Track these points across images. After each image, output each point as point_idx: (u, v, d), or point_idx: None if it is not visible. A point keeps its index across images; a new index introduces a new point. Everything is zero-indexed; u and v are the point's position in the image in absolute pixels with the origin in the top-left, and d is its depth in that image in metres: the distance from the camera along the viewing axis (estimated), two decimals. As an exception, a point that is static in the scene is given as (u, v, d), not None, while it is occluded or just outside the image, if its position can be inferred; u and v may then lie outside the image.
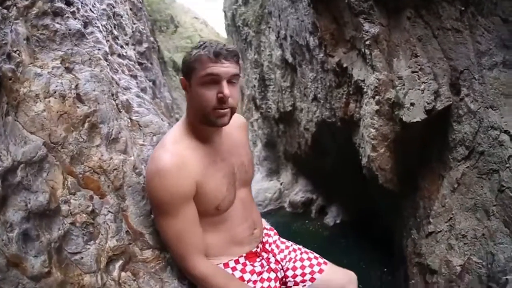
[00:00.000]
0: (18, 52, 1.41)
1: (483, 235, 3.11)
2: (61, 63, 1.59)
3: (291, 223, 8.37)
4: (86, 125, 1.58)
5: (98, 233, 1.50)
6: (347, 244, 6.84)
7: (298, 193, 9.85)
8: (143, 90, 3.03)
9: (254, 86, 10.47)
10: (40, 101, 1.44)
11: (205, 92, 1.55)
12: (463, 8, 3.21)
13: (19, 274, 1.21)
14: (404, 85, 3.96)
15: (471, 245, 3.25)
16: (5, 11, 1.37)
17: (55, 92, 1.49)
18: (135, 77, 2.94)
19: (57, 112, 1.48)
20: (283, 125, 9.82)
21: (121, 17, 3.36)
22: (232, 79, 1.57)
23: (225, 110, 1.59)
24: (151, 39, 5.10)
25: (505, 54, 2.96)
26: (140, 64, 3.79)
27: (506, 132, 2.97)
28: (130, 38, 3.60)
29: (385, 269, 5.83)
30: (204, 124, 1.66)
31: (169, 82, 8.28)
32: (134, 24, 4.06)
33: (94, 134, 1.62)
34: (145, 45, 4.32)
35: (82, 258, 1.42)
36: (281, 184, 10.54)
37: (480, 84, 3.19)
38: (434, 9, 3.50)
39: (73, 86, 1.58)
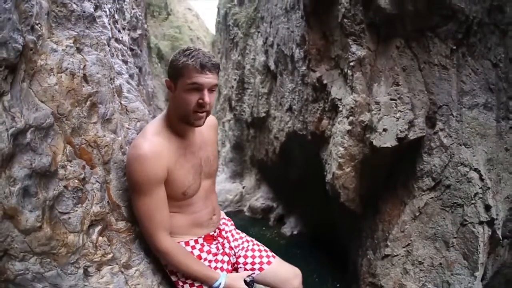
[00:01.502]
0: (39, 25, 1.50)
1: (440, 264, 3.25)
2: (73, 42, 1.68)
3: (249, 227, 8.39)
4: (88, 103, 1.71)
5: (85, 198, 1.65)
6: (302, 255, 6.94)
7: (259, 199, 9.91)
8: (131, 76, 3.07)
9: (232, 87, 10.48)
10: (54, 75, 1.54)
11: (188, 97, 1.76)
12: (454, 47, 3.33)
13: (11, 227, 1.34)
14: (380, 110, 4.07)
15: (427, 272, 3.39)
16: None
17: (66, 69, 1.60)
18: (126, 62, 2.99)
19: (66, 87, 1.60)
20: (254, 130, 9.87)
21: (123, 1, 3.35)
22: (212, 88, 1.79)
23: (203, 114, 1.81)
24: (145, 26, 5.07)
25: (488, 97, 3.12)
26: (131, 50, 3.77)
27: (475, 170, 3.13)
28: (127, 23, 3.57)
29: (338, 285, 5.97)
30: (182, 122, 1.87)
31: (151, 69, 8.22)
32: (133, 9, 4.03)
33: (93, 112, 1.75)
34: (139, 31, 4.29)
35: (69, 218, 1.56)
36: (243, 187, 10.57)
37: (457, 121, 3.34)
38: (424, 42, 3.62)
39: (81, 67, 1.68)
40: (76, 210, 1.59)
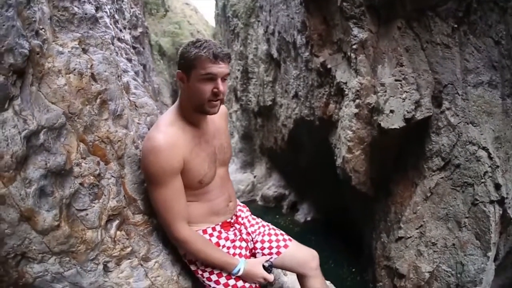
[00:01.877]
0: (43, 29, 1.54)
1: (453, 245, 3.24)
2: (78, 44, 1.72)
3: (262, 216, 8.16)
4: (98, 101, 1.74)
5: (101, 193, 1.67)
6: (317, 242, 6.93)
7: (271, 187, 9.93)
8: (136, 73, 3.10)
9: (237, 77, 10.46)
10: (62, 76, 1.59)
11: (202, 87, 1.78)
12: (455, 26, 3.28)
13: (28, 228, 1.37)
14: (386, 92, 4.04)
15: (440, 253, 3.38)
16: (34, -11, 1.47)
17: (74, 70, 1.64)
18: (130, 60, 3.04)
19: (76, 87, 1.63)
20: (261, 119, 9.86)
21: (122, 1, 3.37)
22: (225, 77, 1.82)
23: (217, 102, 1.84)
24: (145, 24, 5.10)
25: (492, 75, 3.06)
26: (134, 48, 3.79)
27: (484, 148, 3.09)
28: (127, 22, 3.59)
29: (353, 269, 5.98)
30: (197, 112, 1.89)
31: (154, 66, 8.26)
32: (132, 8, 4.05)
33: (104, 109, 1.78)
34: (140, 29, 4.32)
35: (87, 214, 1.59)
36: (254, 177, 10.60)
37: (463, 100, 3.29)
38: (426, 22, 3.57)
39: (88, 66, 1.72)
40: (93, 206, 1.62)
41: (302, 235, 7.45)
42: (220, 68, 1.76)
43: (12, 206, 1.32)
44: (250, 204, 9.58)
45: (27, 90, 1.41)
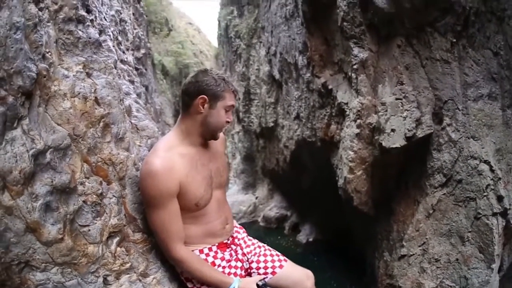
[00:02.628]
0: (50, 53, 1.62)
1: (456, 260, 3.22)
2: (83, 68, 1.81)
3: (264, 238, 8.34)
4: (101, 124, 1.82)
5: (103, 211, 1.76)
6: (319, 262, 6.91)
7: (273, 208, 9.90)
8: (138, 95, 3.18)
9: (239, 98, 10.55)
10: (67, 99, 1.67)
11: (221, 116, 2.03)
12: (454, 40, 3.33)
13: (34, 239, 1.45)
14: (386, 111, 4.07)
15: (444, 269, 3.35)
16: (40, 13, 1.56)
17: (79, 94, 1.73)
18: (132, 82, 3.12)
19: (80, 110, 1.72)
20: (263, 140, 9.90)
21: (125, 22, 3.47)
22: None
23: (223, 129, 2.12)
24: (148, 45, 5.20)
25: (492, 87, 3.09)
26: (136, 69, 3.88)
27: (486, 162, 3.10)
28: (130, 43, 3.68)
29: (356, 289, 5.92)
30: (203, 136, 2.08)
31: (157, 86, 8.34)
32: (135, 29, 4.14)
33: (106, 132, 1.86)
34: (142, 51, 4.41)
35: (89, 230, 1.67)
36: (256, 198, 10.58)
37: (464, 114, 3.32)
38: (425, 39, 3.62)
39: (92, 90, 1.80)
40: (96, 223, 1.70)
41: (304, 256, 7.40)
42: (236, 102, 2.12)
43: (19, 217, 1.41)
44: (252, 225, 9.56)
45: (35, 111, 1.50)
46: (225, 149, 2.52)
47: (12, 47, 1.34)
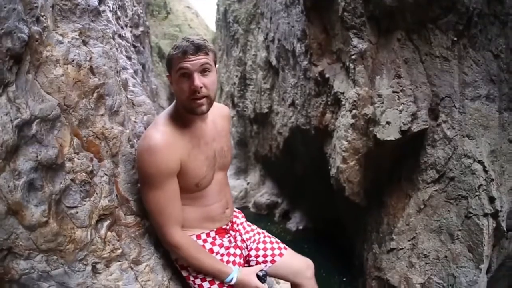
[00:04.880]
0: (45, 17, 1.49)
1: (445, 257, 3.24)
2: (79, 35, 1.68)
3: (254, 223, 8.20)
4: (95, 95, 1.69)
5: (93, 191, 1.61)
6: (308, 250, 6.89)
7: (264, 195, 9.92)
8: (135, 72, 3.06)
9: (234, 83, 10.48)
10: (60, 66, 1.53)
11: (181, 86, 1.75)
12: (455, 39, 3.31)
13: (16, 223, 1.31)
14: (383, 103, 4.05)
15: (432, 265, 3.38)
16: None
17: (73, 61, 1.59)
18: (129, 58, 2.99)
19: (73, 79, 1.58)
20: (257, 126, 9.87)
21: (125, -2, 3.35)
22: (203, 70, 1.74)
23: (201, 100, 1.76)
24: (147, 23, 5.09)
25: (490, 88, 3.09)
26: (134, 46, 3.77)
27: (479, 162, 3.11)
28: (129, 20, 3.58)
29: (344, 279, 5.98)
30: (187, 112, 1.82)
31: (153, 67, 8.26)
32: (134, 6, 4.04)
33: (100, 104, 1.72)
34: (141, 28, 4.31)
35: (77, 212, 1.53)
36: (248, 184, 10.59)
37: (460, 113, 3.32)
38: (426, 35, 3.60)
39: (88, 58, 1.67)
40: (84, 204, 1.55)
41: (294, 243, 7.36)
42: (191, 61, 1.71)
43: (0, 198, 1.27)
44: (242, 210, 9.36)
45: (23, 77, 1.36)
46: (230, 127, 2.31)
47: (4, 7, 1.22)
